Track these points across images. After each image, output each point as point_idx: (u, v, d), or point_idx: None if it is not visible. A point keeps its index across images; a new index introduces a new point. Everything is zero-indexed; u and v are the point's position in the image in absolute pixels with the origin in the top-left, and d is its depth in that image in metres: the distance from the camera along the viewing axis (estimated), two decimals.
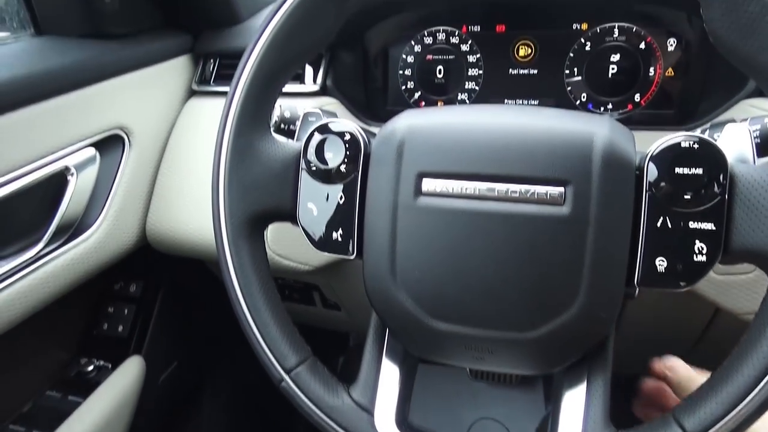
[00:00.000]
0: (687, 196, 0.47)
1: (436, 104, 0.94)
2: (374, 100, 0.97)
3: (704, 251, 0.47)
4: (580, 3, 0.84)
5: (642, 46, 0.83)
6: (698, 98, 0.82)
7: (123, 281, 1.08)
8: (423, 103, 0.94)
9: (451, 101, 0.93)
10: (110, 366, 0.98)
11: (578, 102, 0.88)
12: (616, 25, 0.83)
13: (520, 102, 0.90)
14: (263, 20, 0.56)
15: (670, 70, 0.83)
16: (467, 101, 0.92)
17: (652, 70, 0.84)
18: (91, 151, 0.81)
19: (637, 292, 0.50)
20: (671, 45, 0.82)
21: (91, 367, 0.97)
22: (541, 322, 0.49)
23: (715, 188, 0.46)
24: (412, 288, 0.52)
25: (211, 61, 0.98)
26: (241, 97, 0.56)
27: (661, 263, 0.48)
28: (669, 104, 0.85)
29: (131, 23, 0.89)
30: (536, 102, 0.90)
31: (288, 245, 0.82)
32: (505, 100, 0.91)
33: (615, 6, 0.83)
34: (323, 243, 0.57)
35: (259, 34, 0.55)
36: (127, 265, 0.94)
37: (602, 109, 0.87)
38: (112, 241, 0.85)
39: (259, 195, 0.57)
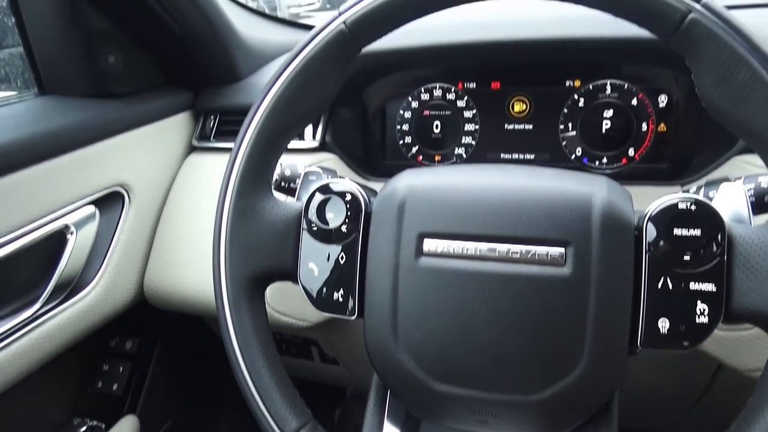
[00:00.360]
0: (686, 257, 0.47)
1: (434, 158, 0.95)
2: (372, 155, 0.98)
3: (706, 312, 0.47)
4: (572, 62, 0.86)
5: (634, 102, 0.85)
6: (691, 153, 0.84)
7: (119, 338, 1.06)
8: (420, 158, 0.96)
9: (448, 155, 0.94)
10: (104, 426, 0.96)
11: (573, 156, 0.89)
12: (608, 82, 0.85)
13: (516, 156, 0.92)
14: (266, 83, 0.57)
15: (662, 125, 0.85)
16: (464, 155, 0.94)
17: (644, 125, 0.85)
18: (91, 208, 0.81)
19: (639, 350, 0.50)
20: (662, 102, 0.84)
21: (83, 428, 0.95)
22: (545, 385, 0.49)
23: (714, 249, 0.47)
24: (414, 349, 0.52)
25: (212, 117, 1.00)
26: (244, 159, 0.57)
27: (663, 324, 0.48)
28: (662, 159, 0.86)
29: (134, 82, 0.91)
30: (532, 156, 0.91)
31: (286, 302, 0.81)
32: (501, 155, 0.92)
33: (605, 65, 0.85)
34: (324, 303, 0.57)
35: (262, 98, 0.56)
36: (123, 321, 0.93)
37: (597, 163, 0.88)
38: (109, 298, 0.84)
39: (260, 256, 0.57)
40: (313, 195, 0.57)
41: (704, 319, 0.47)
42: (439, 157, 0.95)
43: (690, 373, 0.83)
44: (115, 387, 1.01)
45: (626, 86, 0.85)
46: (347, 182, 0.58)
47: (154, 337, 1.07)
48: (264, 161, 0.58)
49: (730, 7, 0.89)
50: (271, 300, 0.81)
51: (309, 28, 1.17)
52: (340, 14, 0.53)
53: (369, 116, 0.97)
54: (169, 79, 0.98)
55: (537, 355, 0.49)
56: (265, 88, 0.57)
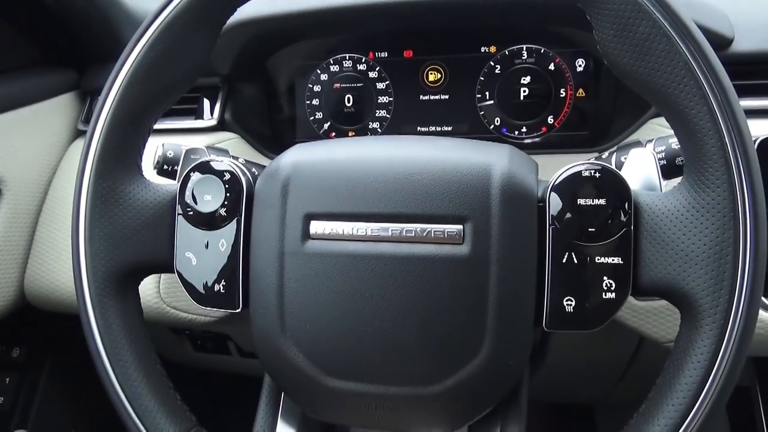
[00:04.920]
0: (592, 229, 0.44)
1: (347, 134, 0.89)
2: (282, 133, 0.91)
3: (613, 288, 0.44)
4: (485, 26, 0.82)
5: (551, 67, 0.81)
6: (610, 118, 0.81)
7: (3, 346, 0.95)
8: (333, 134, 0.90)
9: (362, 131, 0.89)
10: None
11: (492, 126, 0.85)
12: (524, 47, 0.81)
13: (433, 128, 0.87)
14: (124, 51, 0.50)
15: (581, 90, 0.82)
16: (379, 130, 0.88)
17: (563, 91, 0.82)
18: None
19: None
20: (580, 66, 0.81)
21: None
22: (445, 374, 0.45)
23: (621, 219, 0.44)
24: (304, 343, 0.47)
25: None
26: (102, 136, 0.50)
27: (569, 303, 0.44)
28: (583, 125, 0.83)
29: (5, 61, 0.80)
30: (450, 128, 0.87)
31: (183, 296, 0.74)
32: (418, 128, 0.87)
33: (520, 28, 0.81)
34: (205, 297, 0.52)
35: (119, 67, 0.50)
36: (5, 327, 0.83)
37: (516, 132, 0.84)
38: None
39: (127, 246, 0.51)
40: (188, 175, 0.51)
41: (611, 295, 0.44)
42: (353, 133, 0.89)
43: (615, 345, 0.81)
44: (0, 400, 0.90)
45: (542, 50, 0.81)
46: (228, 160, 0.52)
47: (45, 343, 0.97)
48: (127, 138, 0.51)
49: None
50: (166, 295, 0.74)
51: None
52: None
53: (275, 91, 0.90)
54: (48, 58, 0.87)
55: (436, 343, 0.45)
56: (122, 56, 0.50)
